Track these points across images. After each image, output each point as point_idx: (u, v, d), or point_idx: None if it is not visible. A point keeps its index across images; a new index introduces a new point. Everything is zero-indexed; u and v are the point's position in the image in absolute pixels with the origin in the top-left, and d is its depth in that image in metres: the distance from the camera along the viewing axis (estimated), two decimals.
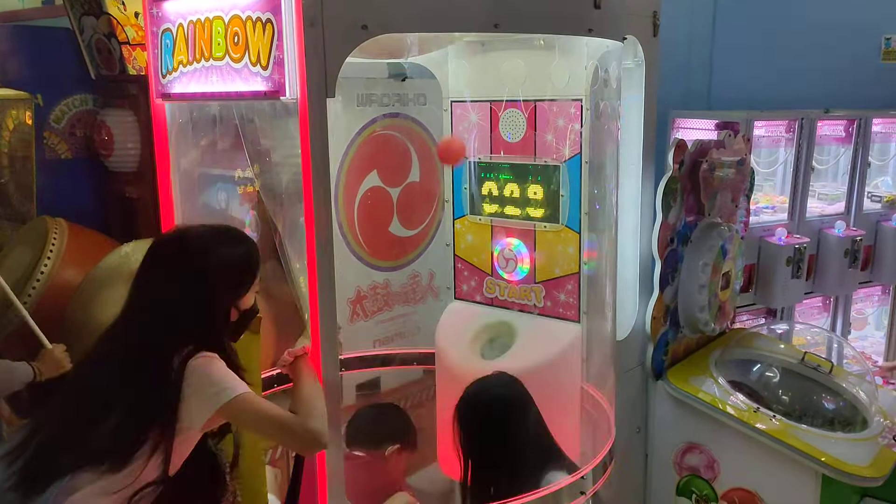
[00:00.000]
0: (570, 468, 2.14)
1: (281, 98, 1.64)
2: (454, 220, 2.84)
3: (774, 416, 2.71)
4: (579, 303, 2.55)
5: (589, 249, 2.52)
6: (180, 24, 1.84)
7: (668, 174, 2.76)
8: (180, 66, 1.86)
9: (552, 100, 2.50)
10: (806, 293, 3.81)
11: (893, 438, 2.75)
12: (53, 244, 3.10)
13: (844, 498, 2.64)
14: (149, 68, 1.96)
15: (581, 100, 2.43)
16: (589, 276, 2.51)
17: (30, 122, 3.63)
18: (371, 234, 3.03)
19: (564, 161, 2.51)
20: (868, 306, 4.45)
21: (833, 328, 4.05)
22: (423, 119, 3.08)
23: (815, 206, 3.89)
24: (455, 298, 2.87)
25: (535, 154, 2.58)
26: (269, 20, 1.63)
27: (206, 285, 1.64)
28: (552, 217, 2.57)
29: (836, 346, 3.33)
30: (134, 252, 2.92)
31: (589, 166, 2.44)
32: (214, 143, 2.05)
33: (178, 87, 1.89)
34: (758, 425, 2.66)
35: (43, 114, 3.57)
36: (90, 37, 3.55)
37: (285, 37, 1.60)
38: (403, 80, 2.99)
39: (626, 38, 2.24)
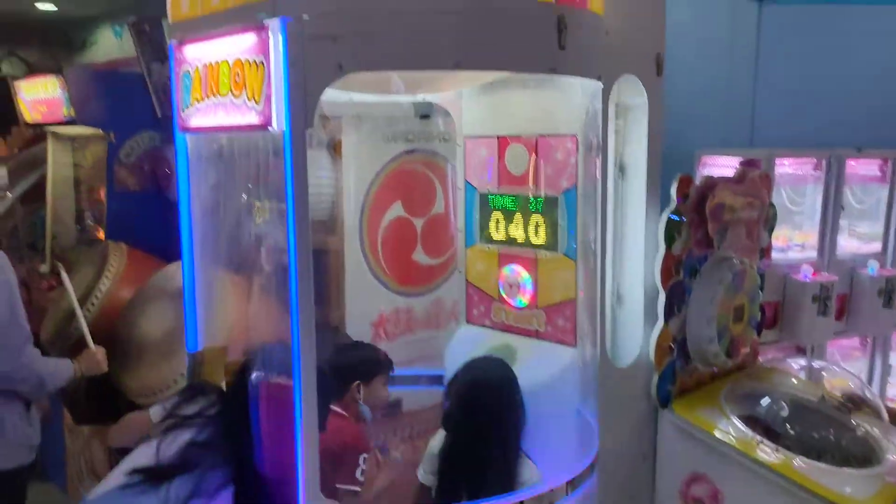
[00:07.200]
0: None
1: (269, 129, 1.87)
2: (466, 248, 3.02)
3: (778, 448, 2.72)
4: (575, 328, 2.67)
5: (585, 276, 2.64)
6: (196, 67, 2.12)
7: (671, 207, 2.85)
8: (195, 101, 2.13)
9: (552, 135, 2.67)
10: (837, 333, 3.76)
11: None
12: (112, 266, 3.45)
13: None
14: (175, 103, 2.24)
15: (576, 135, 2.59)
16: (584, 303, 2.63)
17: (105, 157, 4.05)
18: (395, 262, 3.20)
19: (562, 192, 2.66)
20: None
21: (871, 370, 3.96)
22: (447, 154, 3.27)
23: (849, 245, 3.85)
24: (466, 322, 3.03)
25: (537, 186, 2.75)
26: (261, 62, 1.88)
27: None
28: (552, 245, 2.71)
29: (854, 385, 3.27)
30: (177, 271, 3.22)
31: (584, 198, 2.58)
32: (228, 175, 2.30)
33: (194, 122, 2.16)
34: (758, 457, 2.67)
35: (114, 149, 3.98)
36: (158, 80, 3.95)
37: (273, 76, 1.84)
38: (426, 117, 3.20)
39: (602, 77, 2.37)
